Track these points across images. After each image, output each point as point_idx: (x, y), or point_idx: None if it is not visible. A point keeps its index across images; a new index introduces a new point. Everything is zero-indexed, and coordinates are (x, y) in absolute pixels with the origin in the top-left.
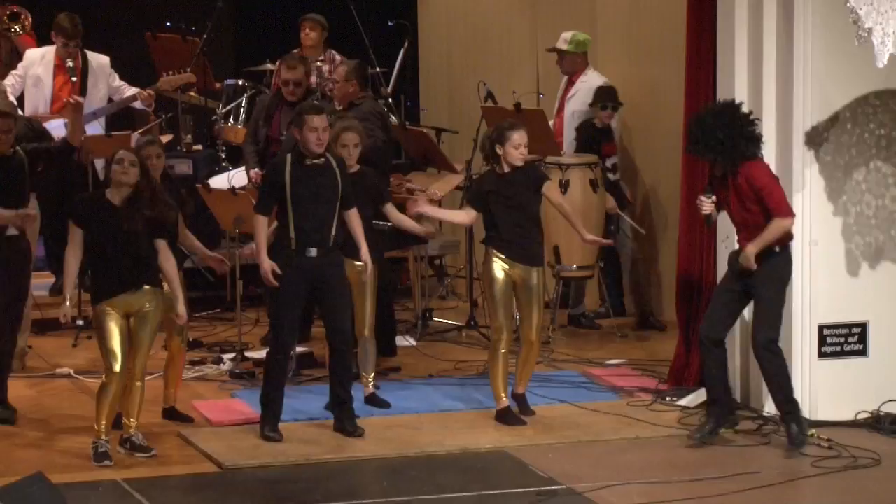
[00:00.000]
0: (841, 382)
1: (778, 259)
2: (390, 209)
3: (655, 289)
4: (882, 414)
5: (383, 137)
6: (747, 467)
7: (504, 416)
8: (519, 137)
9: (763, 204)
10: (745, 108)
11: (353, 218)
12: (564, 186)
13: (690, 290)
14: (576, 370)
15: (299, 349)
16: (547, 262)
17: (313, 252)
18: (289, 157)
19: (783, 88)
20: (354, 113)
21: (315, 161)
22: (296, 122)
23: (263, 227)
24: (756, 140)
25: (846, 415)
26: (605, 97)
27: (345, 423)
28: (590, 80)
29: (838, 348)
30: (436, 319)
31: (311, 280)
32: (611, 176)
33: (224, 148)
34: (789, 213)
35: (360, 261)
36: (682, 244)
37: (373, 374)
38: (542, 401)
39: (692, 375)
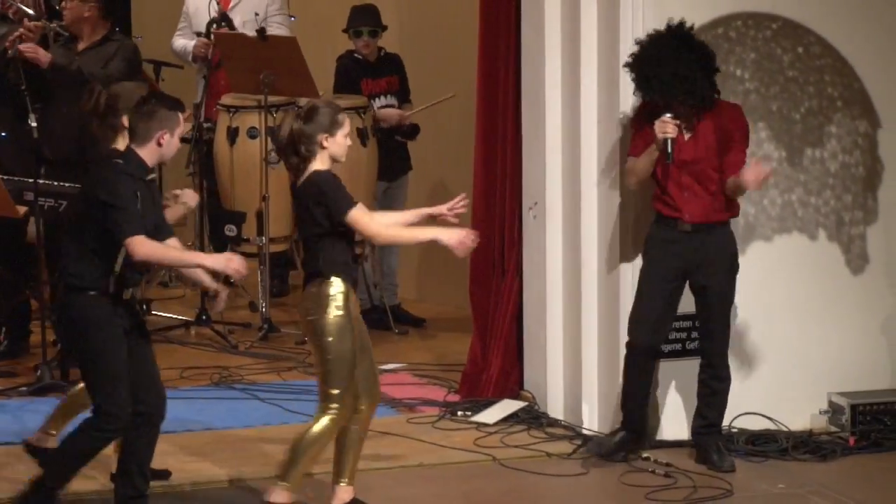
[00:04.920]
0: (682, 391)
1: (729, 236)
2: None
3: (414, 270)
4: (734, 431)
5: None
6: (562, 503)
7: None
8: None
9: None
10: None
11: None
12: None
13: (488, 271)
14: None
15: None
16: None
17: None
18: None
19: (607, 9)
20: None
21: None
22: None
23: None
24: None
25: (690, 433)
26: (357, 19)
27: None
28: None
29: (679, 346)
30: (155, 313)
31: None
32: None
33: None
34: None
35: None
36: (477, 211)
37: None
38: (295, 418)
39: (491, 382)
